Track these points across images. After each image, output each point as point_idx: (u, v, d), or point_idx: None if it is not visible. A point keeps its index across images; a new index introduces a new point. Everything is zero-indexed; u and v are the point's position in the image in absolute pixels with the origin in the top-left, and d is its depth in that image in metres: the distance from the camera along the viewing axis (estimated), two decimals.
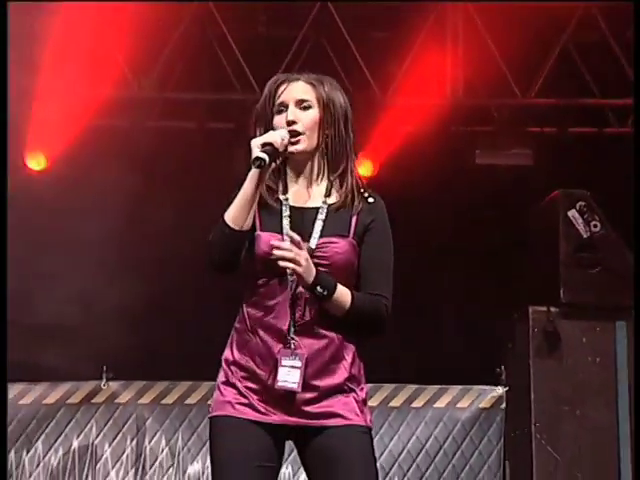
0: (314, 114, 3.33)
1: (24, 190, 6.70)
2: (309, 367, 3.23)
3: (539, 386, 6.20)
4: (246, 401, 3.26)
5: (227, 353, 3.35)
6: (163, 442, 5.94)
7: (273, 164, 3.26)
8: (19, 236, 6.22)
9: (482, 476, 6.01)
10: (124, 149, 6.90)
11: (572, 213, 6.32)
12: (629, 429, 6.12)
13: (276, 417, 3.24)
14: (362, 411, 3.28)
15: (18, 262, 6.23)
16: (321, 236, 3.27)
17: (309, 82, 3.37)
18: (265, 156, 3.17)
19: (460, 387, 6.06)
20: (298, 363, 3.23)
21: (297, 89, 3.37)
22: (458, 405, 6.07)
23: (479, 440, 6.01)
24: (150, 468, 5.94)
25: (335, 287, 3.21)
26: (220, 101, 7.08)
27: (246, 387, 3.28)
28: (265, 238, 3.27)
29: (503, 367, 6.30)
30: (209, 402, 3.40)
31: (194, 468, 5.84)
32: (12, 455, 5.91)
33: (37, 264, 6.81)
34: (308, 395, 3.23)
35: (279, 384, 3.20)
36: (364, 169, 7.15)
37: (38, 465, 5.95)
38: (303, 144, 3.30)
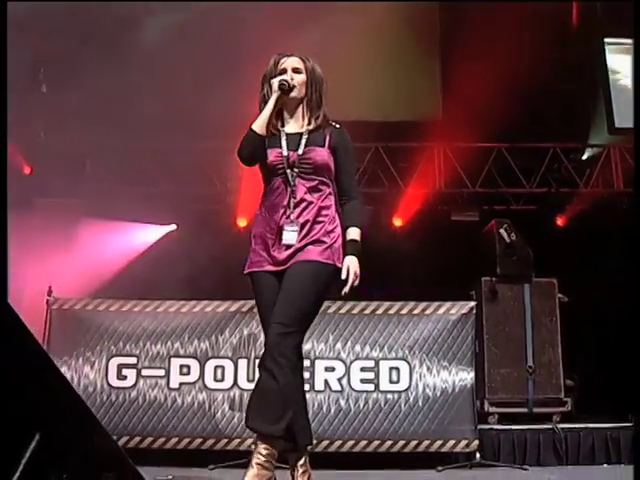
0: (303, 77, 3.81)
1: (236, 239, 8.31)
2: (300, 230, 3.63)
3: (487, 317, 7.62)
4: (262, 258, 3.79)
5: (252, 230, 3.82)
6: None
7: (285, 95, 3.72)
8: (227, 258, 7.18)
9: (464, 350, 6.77)
10: None
11: (502, 230, 7.76)
12: (532, 337, 7.42)
13: (277, 268, 3.75)
14: (325, 253, 3.64)
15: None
16: (306, 146, 3.72)
17: (300, 58, 3.83)
18: (286, 83, 3.70)
19: (451, 302, 6.88)
20: (296, 228, 3.63)
21: (293, 61, 3.83)
22: (451, 312, 6.85)
23: (462, 330, 6.79)
24: None
25: (360, 247, 3.63)
26: None
27: (260, 248, 3.78)
28: (271, 152, 3.69)
29: (474, 292, 7.61)
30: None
31: None
32: (213, 337, 6.74)
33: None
34: (294, 249, 3.69)
35: (284, 242, 3.64)
36: (398, 221, 9.24)
37: (225, 343, 6.82)
38: (296, 92, 3.78)
